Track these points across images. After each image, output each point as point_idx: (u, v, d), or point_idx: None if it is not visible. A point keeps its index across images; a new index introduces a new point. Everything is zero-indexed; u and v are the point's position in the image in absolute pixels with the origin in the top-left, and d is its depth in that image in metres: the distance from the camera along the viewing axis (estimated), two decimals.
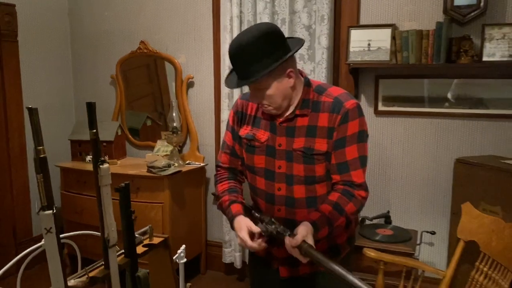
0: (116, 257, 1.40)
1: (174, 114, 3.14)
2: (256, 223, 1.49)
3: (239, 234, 1.46)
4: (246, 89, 2.12)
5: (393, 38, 2.64)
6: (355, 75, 2.84)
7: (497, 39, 2.49)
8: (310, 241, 1.32)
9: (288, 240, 1.34)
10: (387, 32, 2.68)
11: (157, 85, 3.61)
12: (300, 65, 2.95)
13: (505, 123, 2.58)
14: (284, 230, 1.38)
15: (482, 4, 2.49)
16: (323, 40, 2.81)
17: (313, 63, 2.91)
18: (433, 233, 2.67)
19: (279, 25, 2.95)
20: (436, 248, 2.79)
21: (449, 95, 2.69)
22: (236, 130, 1.65)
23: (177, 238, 2.92)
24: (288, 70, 1.46)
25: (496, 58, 2.48)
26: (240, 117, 1.66)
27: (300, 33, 2.92)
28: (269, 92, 1.45)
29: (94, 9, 3.64)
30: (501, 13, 2.51)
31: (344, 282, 1.19)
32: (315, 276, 1.62)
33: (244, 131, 1.62)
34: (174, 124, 3.13)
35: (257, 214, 1.52)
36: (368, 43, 2.74)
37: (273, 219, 1.44)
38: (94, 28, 3.66)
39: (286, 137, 1.52)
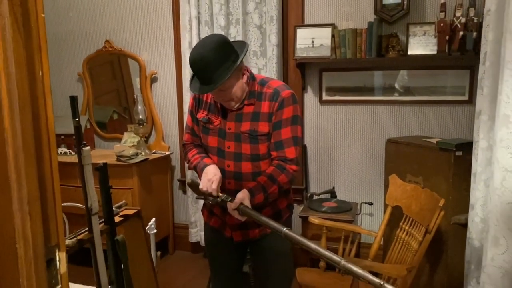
0: (98, 223, 1.70)
1: (139, 108, 3.42)
2: (206, 198, 1.80)
3: (213, 177, 1.75)
4: None
5: (333, 36, 3.02)
6: (301, 69, 3.20)
7: (419, 36, 2.91)
8: (247, 203, 1.66)
9: (229, 205, 1.68)
10: (328, 30, 3.06)
11: (121, 81, 3.85)
12: (253, 60, 3.29)
13: (428, 107, 3.01)
14: (226, 197, 1.70)
15: (405, 5, 2.91)
16: (273, 38, 3.16)
17: (265, 59, 3.26)
18: (370, 204, 3.10)
19: (233, 25, 3.28)
20: (374, 218, 3.22)
21: (381, 85, 3.11)
22: (194, 113, 1.93)
23: (146, 221, 3.21)
24: (243, 69, 1.77)
25: (419, 52, 2.90)
26: (197, 102, 1.92)
27: (253, 32, 3.25)
28: (233, 90, 1.72)
29: (58, 10, 3.84)
30: (422, 13, 2.93)
31: (271, 229, 1.57)
32: (263, 238, 1.92)
33: (201, 115, 1.89)
34: (140, 117, 3.40)
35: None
36: (312, 41, 3.11)
37: (219, 193, 1.76)
38: (59, 28, 3.85)
39: (235, 122, 1.80)
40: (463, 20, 2.71)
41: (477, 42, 2.63)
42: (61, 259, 0.66)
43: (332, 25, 3.05)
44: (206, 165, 1.82)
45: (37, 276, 0.60)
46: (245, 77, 1.78)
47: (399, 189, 2.52)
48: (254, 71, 3.29)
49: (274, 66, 3.19)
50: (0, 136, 0.54)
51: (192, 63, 1.68)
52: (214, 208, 1.97)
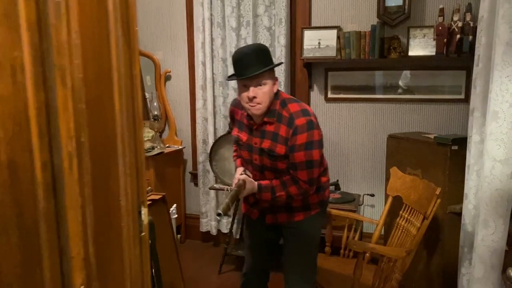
0: None
1: (155, 104, 3.62)
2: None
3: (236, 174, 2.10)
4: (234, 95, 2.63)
5: (338, 37, 3.22)
6: (308, 68, 3.40)
7: (419, 38, 3.12)
8: (249, 188, 1.98)
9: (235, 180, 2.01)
10: (333, 32, 3.26)
11: None
12: None
13: (427, 105, 3.22)
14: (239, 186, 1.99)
15: (406, 10, 3.11)
16: (281, 39, 3.36)
17: (274, 58, 3.45)
18: (372, 195, 3.30)
19: (244, 27, 3.48)
20: (375, 209, 3.42)
21: (383, 84, 3.31)
22: (232, 127, 2.23)
23: None
24: (275, 77, 1.98)
25: (419, 53, 3.10)
26: (232, 120, 2.21)
27: (262, 33, 3.46)
28: (265, 89, 1.90)
29: None
30: (421, 17, 3.13)
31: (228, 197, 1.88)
32: (290, 223, 2.16)
33: (234, 132, 2.17)
34: (155, 113, 3.61)
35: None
36: (318, 42, 3.31)
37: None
38: None
39: (259, 138, 2.03)
40: (460, 24, 2.91)
41: (473, 44, 2.81)
42: (144, 213, 0.87)
43: (338, 28, 3.25)
44: (236, 167, 2.24)
45: (133, 223, 0.81)
46: (275, 87, 1.97)
47: (399, 180, 2.72)
48: None
49: (283, 66, 3.39)
50: (113, 119, 0.75)
51: (236, 58, 1.90)
52: (249, 199, 2.23)
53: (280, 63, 2.06)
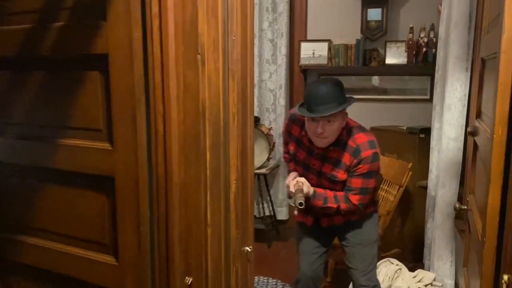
0: None
1: None
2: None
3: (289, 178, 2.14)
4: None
5: (329, 49, 3.96)
6: (304, 73, 4.13)
7: (394, 50, 3.88)
8: (305, 190, 1.98)
9: (292, 182, 2.04)
10: (325, 45, 4.00)
11: None
12: (266, 66, 4.19)
13: (401, 104, 3.98)
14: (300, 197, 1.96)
15: (384, 27, 3.88)
16: (282, 49, 4.08)
17: (275, 65, 4.17)
18: None
19: None
20: None
21: (366, 87, 4.07)
22: (287, 140, 2.24)
23: None
24: (346, 112, 1.99)
25: (394, 62, 3.87)
26: (288, 134, 2.21)
27: (266, 44, 4.16)
28: (334, 125, 1.91)
29: None
30: (396, 34, 3.90)
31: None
32: (346, 225, 2.22)
33: (291, 148, 2.19)
34: None
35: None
36: (312, 52, 4.04)
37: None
38: None
39: (320, 161, 2.07)
40: (425, 40, 3.69)
41: (435, 56, 3.60)
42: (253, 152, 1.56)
43: (329, 41, 3.99)
44: (289, 171, 2.29)
45: (252, 153, 1.51)
46: (344, 122, 2.01)
47: (380, 162, 3.47)
48: (266, 75, 4.18)
49: (283, 72, 4.10)
50: (246, 98, 1.44)
51: (311, 94, 1.93)
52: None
53: (352, 101, 1.99)
